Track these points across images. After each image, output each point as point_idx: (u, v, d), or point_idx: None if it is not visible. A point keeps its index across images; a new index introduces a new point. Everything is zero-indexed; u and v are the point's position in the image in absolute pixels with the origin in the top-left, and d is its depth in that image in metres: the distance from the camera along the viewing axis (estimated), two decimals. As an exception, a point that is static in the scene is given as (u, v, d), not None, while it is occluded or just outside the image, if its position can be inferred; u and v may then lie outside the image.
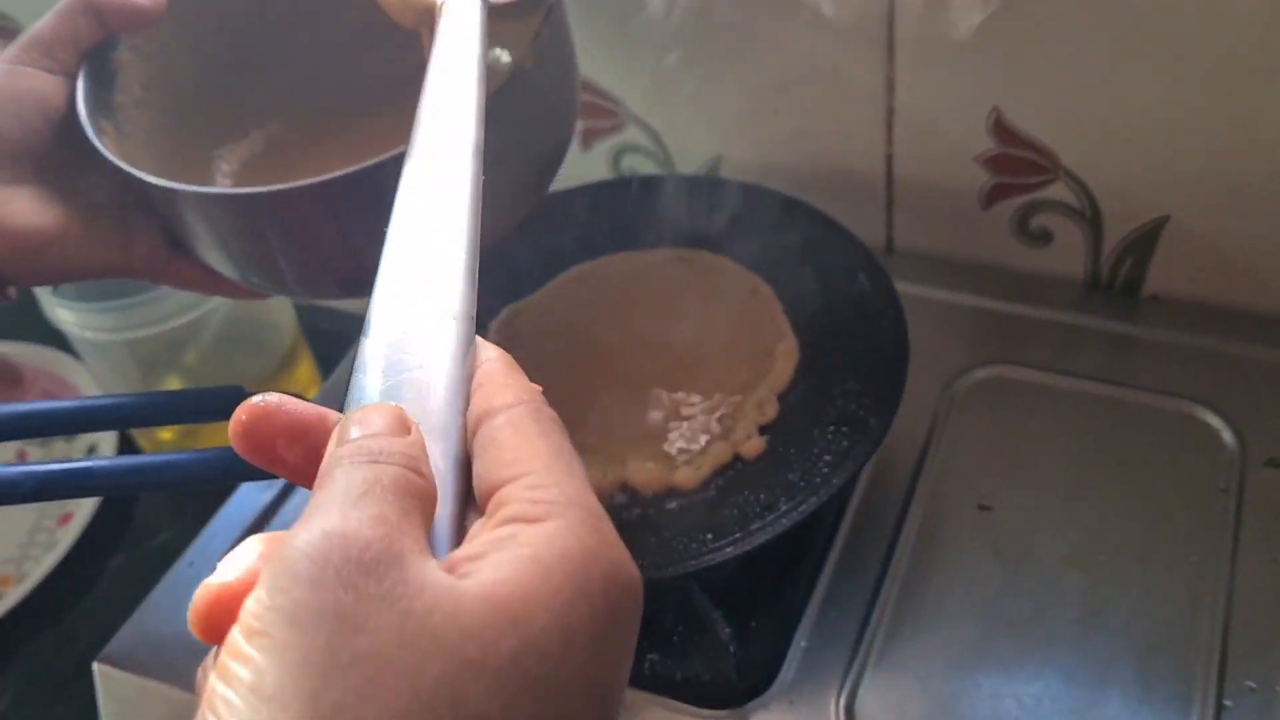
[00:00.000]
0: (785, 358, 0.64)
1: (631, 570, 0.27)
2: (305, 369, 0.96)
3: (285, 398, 0.29)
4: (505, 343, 0.66)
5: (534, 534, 0.26)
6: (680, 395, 0.62)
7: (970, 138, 0.68)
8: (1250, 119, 0.60)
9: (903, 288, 0.72)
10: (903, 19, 0.64)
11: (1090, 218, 0.69)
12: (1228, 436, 0.63)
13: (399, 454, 0.27)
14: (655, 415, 0.62)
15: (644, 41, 0.72)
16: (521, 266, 0.71)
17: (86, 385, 0.98)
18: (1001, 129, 0.67)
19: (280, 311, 0.93)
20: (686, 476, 0.59)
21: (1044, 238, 0.71)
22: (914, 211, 0.74)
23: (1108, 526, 0.60)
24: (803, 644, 0.57)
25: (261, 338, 0.93)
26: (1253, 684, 0.53)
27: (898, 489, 0.63)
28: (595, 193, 0.74)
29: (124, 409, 0.51)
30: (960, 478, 0.63)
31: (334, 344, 0.97)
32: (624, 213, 0.72)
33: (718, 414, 0.61)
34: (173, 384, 0.94)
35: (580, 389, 0.63)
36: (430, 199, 0.34)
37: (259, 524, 0.66)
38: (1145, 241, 0.69)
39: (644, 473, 0.59)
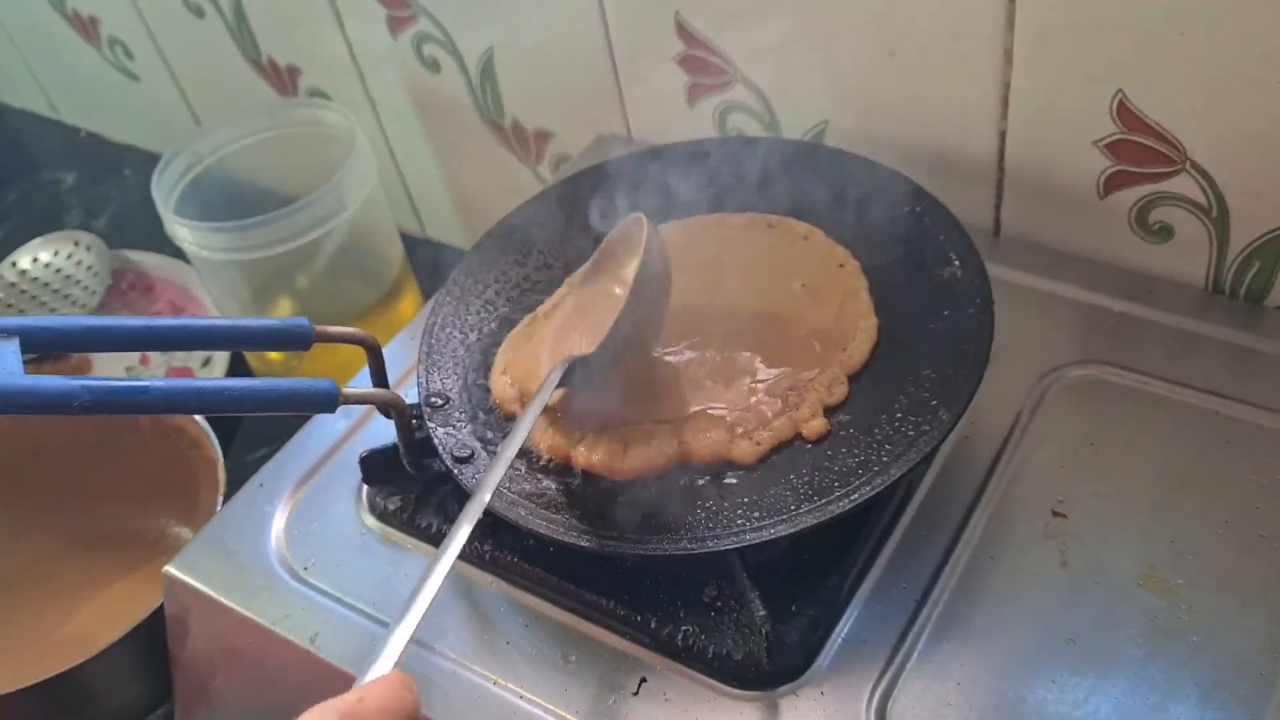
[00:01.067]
0: (863, 337, 0.62)
1: None
2: (410, 298, 0.98)
3: None
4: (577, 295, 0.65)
5: None
6: (749, 365, 0.61)
7: (1091, 120, 0.63)
8: (1405, 121, 0.55)
9: (1006, 274, 0.70)
10: (1026, -13, 0.60)
11: (1216, 217, 0.64)
12: (1341, 465, 0.58)
13: None
14: (721, 383, 0.60)
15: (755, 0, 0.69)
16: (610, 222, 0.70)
17: (209, 297, 1.02)
18: (1125, 113, 0.62)
19: (389, 243, 0.95)
20: (744, 450, 0.57)
21: (1164, 234, 0.66)
22: (1026, 195, 0.70)
23: (1191, 549, 0.56)
24: (844, 634, 0.55)
25: (370, 267, 0.95)
26: (1324, 735, 0.49)
27: (969, 483, 0.60)
28: (693, 150, 0.72)
29: (189, 331, 0.53)
30: (1038, 479, 0.60)
31: (438, 275, 0.98)
32: (720, 172, 0.71)
33: (784, 389, 0.59)
34: (284, 307, 0.97)
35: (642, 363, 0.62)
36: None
37: (329, 454, 0.68)
38: (1275, 248, 0.63)
39: (703, 443, 0.58)
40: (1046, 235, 0.71)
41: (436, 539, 0.61)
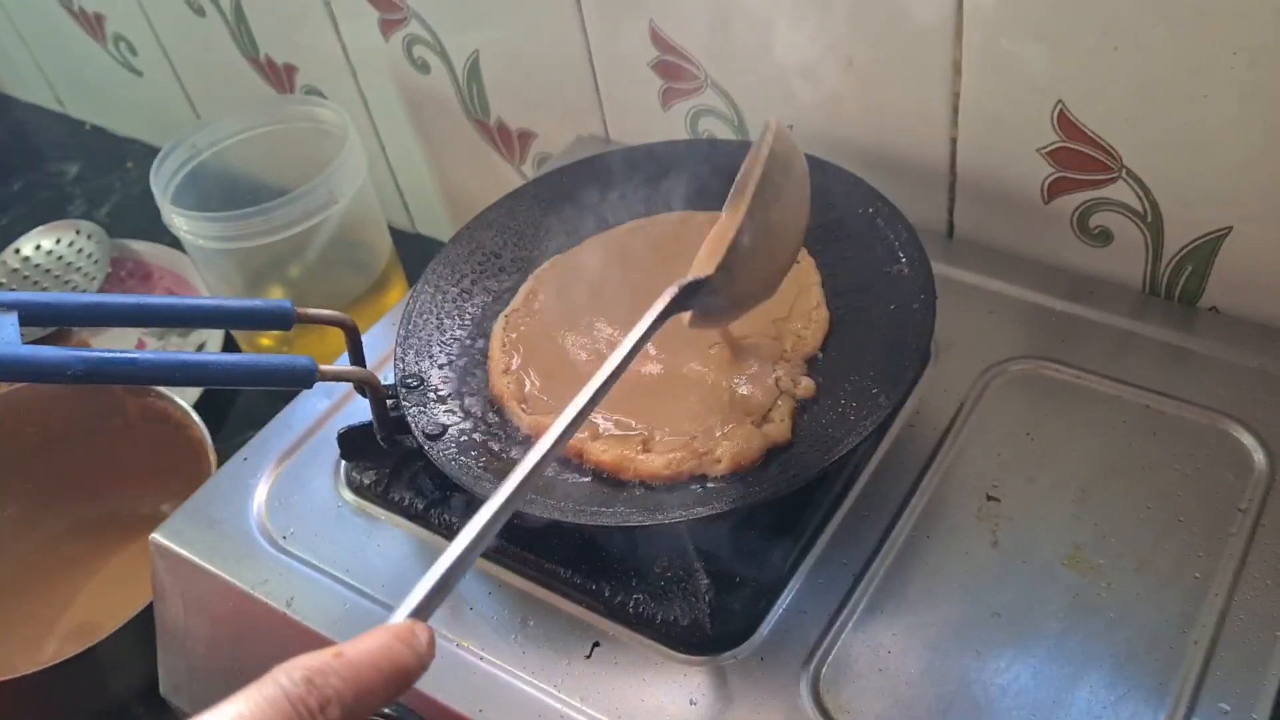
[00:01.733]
0: (816, 327, 0.65)
1: None
2: (398, 289, 1.01)
3: None
4: (541, 288, 0.69)
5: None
6: (719, 358, 0.64)
7: (1034, 129, 0.67)
8: (1319, 134, 0.58)
9: (957, 274, 0.73)
10: (971, 2, 0.64)
11: (1151, 222, 0.67)
12: (1259, 458, 0.61)
13: (297, 693, 0.35)
14: (699, 382, 0.63)
15: (723, 7, 0.73)
16: (578, 220, 0.74)
17: (204, 284, 1.06)
18: (1065, 122, 0.66)
19: (378, 235, 0.99)
20: (709, 467, 0.60)
21: (1104, 237, 0.70)
22: (977, 199, 0.73)
23: (1114, 532, 0.59)
24: (785, 605, 0.58)
25: (359, 258, 0.99)
26: (1226, 706, 0.52)
27: (911, 468, 0.64)
28: (662, 151, 0.76)
29: (177, 309, 0.57)
30: (975, 465, 0.64)
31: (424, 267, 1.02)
32: (687, 172, 0.74)
33: (745, 394, 0.62)
34: (276, 294, 1.00)
35: (606, 349, 0.66)
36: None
37: (310, 431, 0.71)
38: (1206, 251, 0.67)
39: (667, 465, 0.60)
40: (995, 237, 0.74)
41: (409, 512, 0.65)
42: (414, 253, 1.05)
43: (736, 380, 0.63)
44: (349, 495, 0.68)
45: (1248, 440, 0.62)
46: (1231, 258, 0.66)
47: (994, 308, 0.72)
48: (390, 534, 0.65)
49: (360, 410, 0.71)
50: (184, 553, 0.66)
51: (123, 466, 0.90)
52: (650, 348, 0.64)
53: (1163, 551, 0.58)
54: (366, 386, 0.60)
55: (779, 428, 0.60)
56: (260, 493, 0.68)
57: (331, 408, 0.73)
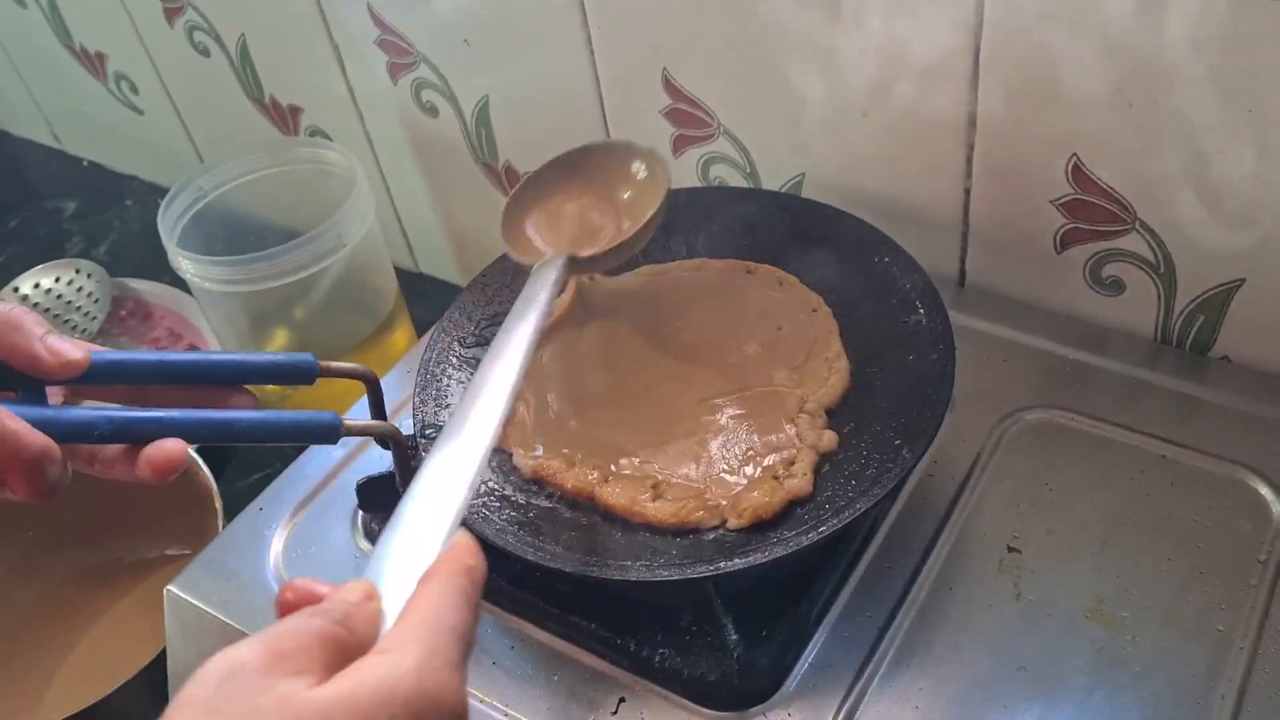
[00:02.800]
0: (836, 378, 0.66)
1: (450, 697, 0.36)
2: (404, 331, 1.01)
3: (314, 582, 0.40)
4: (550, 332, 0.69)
5: (371, 661, 0.36)
6: (740, 414, 0.64)
7: (1048, 181, 0.68)
8: (1333, 191, 0.59)
9: (970, 322, 0.74)
10: (988, 56, 0.65)
11: (1164, 273, 0.68)
12: (1277, 509, 0.62)
13: (337, 611, 0.37)
14: (722, 438, 0.63)
15: (738, 58, 0.74)
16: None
17: (206, 325, 1.06)
18: (1080, 175, 0.67)
19: (384, 278, 0.99)
20: (731, 522, 0.60)
21: (1116, 287, 0.71)
22: (989, 248, 0.74)
23: (1136, 584, 0.60)
24: (811, 659, 0.58)
25: (366, 301, 0.99)
26: (1254, 761, 0.53)
27: (931, 518, 0.64)
28: (679, 197, 0.76)
29: (198, 366, 0.56)
30: (995, 515, 0.64)
31: (430, 308, 1.02)
32: (702, 219, 0.75)
33: (771, 457, 0.62)
34: (281, 336, 1.00)
35: (621, 395, 0.66)
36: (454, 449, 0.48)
37: (326, 480, 0.71)
38: (1218, 302, 0.68)
39: (676, 513, 0.60)
40: (1008, 286, 0.75)
41: (428, 563, 0.65)
42: (418, 294, 1.05)
43: (756, 430, 0.63)
44: (366, 546, 0.67)
45: (1265, 491, 0.63)
46: (1244, 309, 0.67)
47: (1007, 356, 0.72)
48: (410, 586, 0.65)
49: (375, 459, 0.71)
50: (201, 605, 0.65)
51: (124, 511, 0.89)
52: (671, 395, 0.65)
53: (1185, 604, 0.59)
54: (390, 440, 0.60)
55: (800, 482, 0.60)
56: (277, 544, 0.68)
57: (346, 457, 0.73)
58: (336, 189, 0.93)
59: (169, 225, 0.92)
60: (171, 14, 1.06)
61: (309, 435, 0.57)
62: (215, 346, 1.05)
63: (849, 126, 0.73)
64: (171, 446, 0.51)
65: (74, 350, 0.52)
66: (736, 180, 0.82)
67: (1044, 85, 0.64)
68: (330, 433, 0.56)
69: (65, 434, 0.50)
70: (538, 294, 0.60)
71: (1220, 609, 0.58)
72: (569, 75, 0.83)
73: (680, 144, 0.82)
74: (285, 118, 1.08)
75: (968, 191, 0.72)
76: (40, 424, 0.50)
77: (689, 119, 0.80)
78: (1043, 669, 0.57)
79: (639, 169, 0.68)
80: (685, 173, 0.83)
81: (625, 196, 0.68)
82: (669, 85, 0.79)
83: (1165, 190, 0.65)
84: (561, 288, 0.63)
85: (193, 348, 1.09)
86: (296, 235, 0.88)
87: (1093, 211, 0.68)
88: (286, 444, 0.55)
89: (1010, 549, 0.62)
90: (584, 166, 0.69)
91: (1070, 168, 0.67)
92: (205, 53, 1.07)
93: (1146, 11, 0.58)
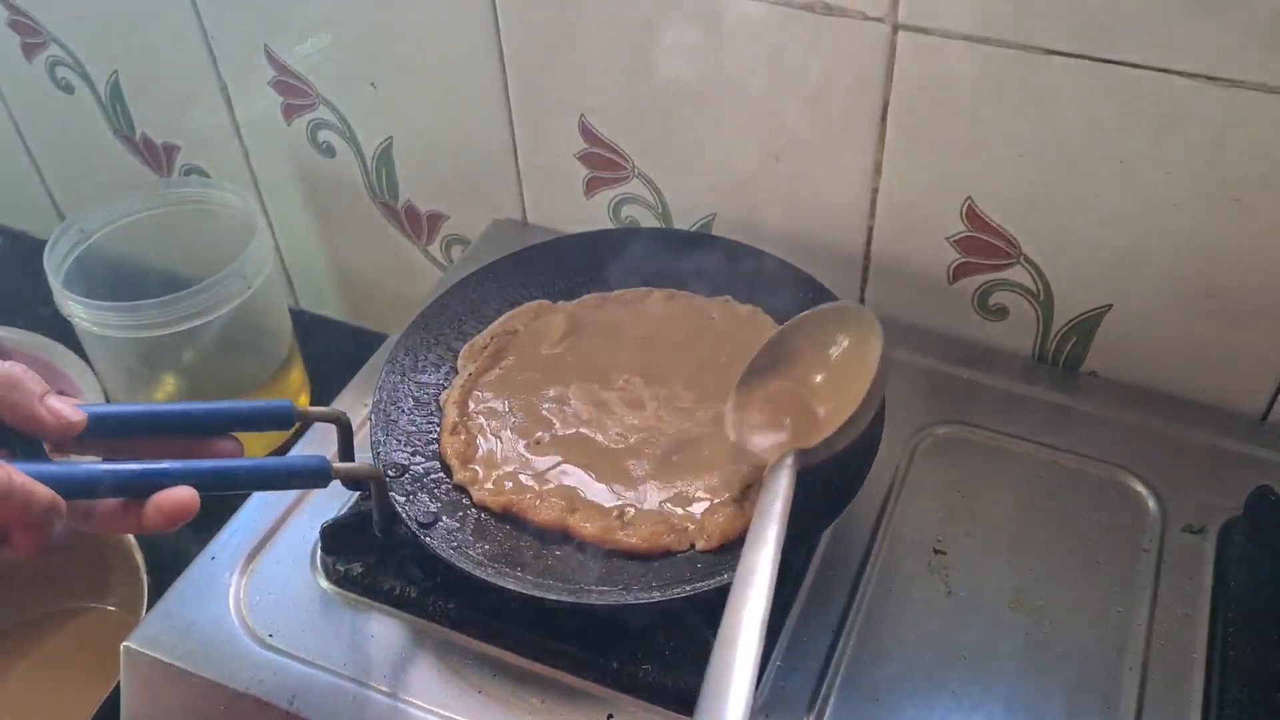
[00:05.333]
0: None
1: None
2: (297, 374, 1.00)
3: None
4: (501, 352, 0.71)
5: None
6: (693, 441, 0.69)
7: (944, 220, 0.76)
8: (1190, 230, 0.70)
9: (872, 347, 0.81)
10: (896, 111, 0.72)
11: (1043, 300, 0.78)
12: (1151, 503, 0.72)
13: None
14: (662, 477, 0.68)
15: (656, 105, 0.79)
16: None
17: (75, 371, 1.02)
18: (973, 215, 0.75)
19: (280, 320, 0.98)
20: (700, 544, 0.64)
21: (1001, 314, 0.80)
22: (887, 279, 0.82)
23: (1046, 576, 0.68)
24: (778, 664, 0.64)
25: (259, 344, 0.97)
26: (1164, 721, 0.61)
27: (863, 528, 0.71)
28: (602, 238, 0.80)
29: (189, 416, 0.57)
30: (918, 522, 0.71)
31: (316, 347, 1.02)
32: (623, 257, 0.79)
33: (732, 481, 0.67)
34: (169, 382, 0.98)
35: (582, 424, 0.70)
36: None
37: (277, 525, 0.71)
38: (1089, 325, 0.77)
39: (645, 539, 0.64)
40: (902, 313, 0.83)
41: (401, 601, 0.66)
42: (302, 333, 1.05)
43: (714, 455, 0.68)
44: (328, 586, 0.68)
45: (1139, 487, 0.72)
46: (1111, 330, 0.77)
47: (908, 377, 0.80)
48: (382, 624, 0.66)
49: (322, 500, 0.72)
50: (165, 659, 0.64)
51: (36, 563, 0.85)
52: (631, 423, 0.70)
53: (1089, 591, 0.67)
54: (372, 481, 0.62)
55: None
56: (235, 591, 0.68)
57: (295, 500, 0.73)
58: (223, 230, 0.92)
59: (54, 268, 0.89)
60: (31, 50, 1.02)
61: (302, 480, 0.58)
62: (87, 392, 1.01)
63: (762, 171, 0.79)
64: (182, 494, 0.51)
65: (73, 412, 0.52)
66: (649, 220, 0.86)
67: (944, 135, 0.72)
68: (321, 476, 0.58)
69: (70, 490, 0.50)
70: (773, 505, 0.59)
71: (1118, 593, 0.67)
72: (482, 118, 0.86)
73: (593, 186, 0.86)
74: (158, 156, 1.05)
75: (870, 229, 0.79)
76: (45, 480, 0.49)
77: (604, 162, 0.84)
78: (980, 657, 0.64)
79: (842, 340, 0.69)
80: (597, 213, 0.88)
81: (831, 375, 0.68)
82: (586, 130, 0.83)
83: (1048, 229, 0.74)
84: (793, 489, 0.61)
85: (63, 394, 1.04)
86: (180, 278, 0.87)
87: (983, 247, 0.76)
88: (281, 490, 0.56)
89: (936, 551, 0.70)
90: (792, 345, 0.69)
91: (965, 209, 0.75)
92: (68, 89, 1.03)
93: (1039, 81, 0.67)
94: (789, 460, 0.62)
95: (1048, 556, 0.69)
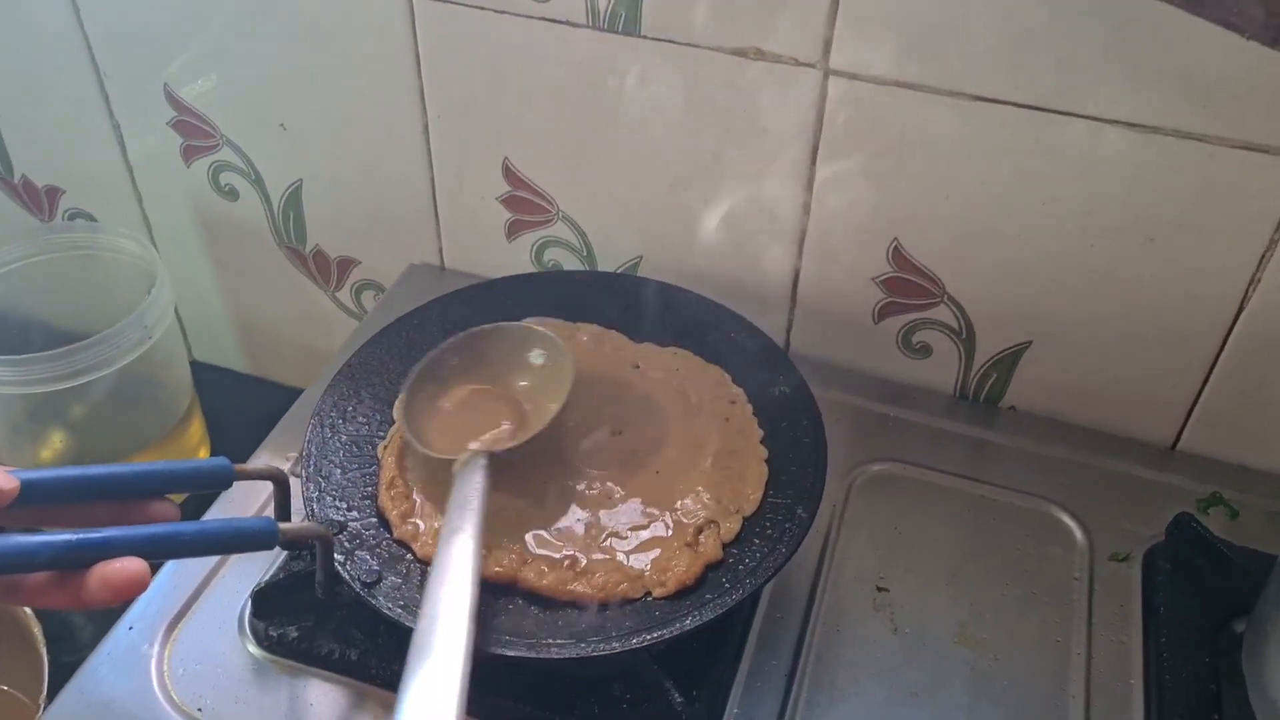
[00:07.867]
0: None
1: None
2: (196, 429, 0.96)
3: None
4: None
5: None
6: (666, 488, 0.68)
7: (870, 261, 0.77)
8: (1106, 268, 0.72)
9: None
10: (825, 155, 0.73)
11: (965, 338, 0.80)
12: (1079, 534, 0.74)
13: None
14: (611, 526, 0.66)
15: (582, 149, 0.78)
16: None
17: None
18: (899, 256, 0.77)
19: (179, 372, 0.93)
20: (656, 591, 0.63)
21: (925, 352, 0.81)
22: (813, 319, 0.83)
23: (987, 608, 0.69)
24: (735, 711, 0.63)
25: (157, 397, 0.93)
26: (1110, 746, 0.63)
27: (807, 569, 0.71)
28: (524, 282, 0.79)
29: (122, 478, 0.53)
30: (860, 560, 0.72)
31: (214, 398, 0.98)
32: (548, 300, 0.78)
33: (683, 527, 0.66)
34: (58, 437, 0.92)
35: (527, 476, 0.68)
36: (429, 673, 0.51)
37: (200, 589, 0.67)
38: (1009, 361, 0.80)
39: (600, 588, 0.63)
40: (827, 353, 0.84)
41: (341, 665, 0.63)
42: (215, 384, 1.00)
43: (663, 503, 0.67)
44: (259, 652, 0.64)
45: (1065, 518, 0.75)
46: (1030, 366, 0.79)
47: (839, 416, 0.81)
48: (321, 690, 0.63)
49: (245, 564, 0.68)
50: (82, 740, 0.60)
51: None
52: (587, 469, 0.69)
53: (1028, 621, 0.69)
54: (318, 541, 0.59)
55: (712, 549, 0.65)
56: (157, 663, 0.63)
57: (216, 563, 0.69)
58: (113, 278, 0.88)
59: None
60: (-104, 86, 0.95)
61: (248, 543, 0.55)
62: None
63: (691, 213, 0.79)
64: (131, 566, 0.48)
65: (6, 479, 0.48)
66: (573, 264, 0.85)
67: (873, 179, 0.73)
68: (268, 539, 0.55)
69: (8, 563, 0.46)
70: (470, 499, 0.60)
71: (1055, 623, 0.69)
72: (400, 160, 0.84)
73: (515, 228, 0.85)
74: (39, 199, 0.99)
75: (797, 271, 0.80)
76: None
77: (527, 205, 0.83)
78: (930, 692, 0.65)
79: (537, 356, 0.71)
80: (519, 257, 0.86)
81: (525, 384, 0.71)
82: (509, 173, 0.82)
83: (971, 269, 0.76)
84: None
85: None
86: (64, 329, 0.82)
87: (908, 288, 0.78)
88: (227, 554, 0.53)
89: (879, 588, 0.70)
90: (483, 353, 0.71)
91: (891, 250, 0.76)
92: (-61, 128, 0.96)
93: (966, 127, 0.69)
94: (482, 461, 0.64)
95: (986, 589, 0.70)
